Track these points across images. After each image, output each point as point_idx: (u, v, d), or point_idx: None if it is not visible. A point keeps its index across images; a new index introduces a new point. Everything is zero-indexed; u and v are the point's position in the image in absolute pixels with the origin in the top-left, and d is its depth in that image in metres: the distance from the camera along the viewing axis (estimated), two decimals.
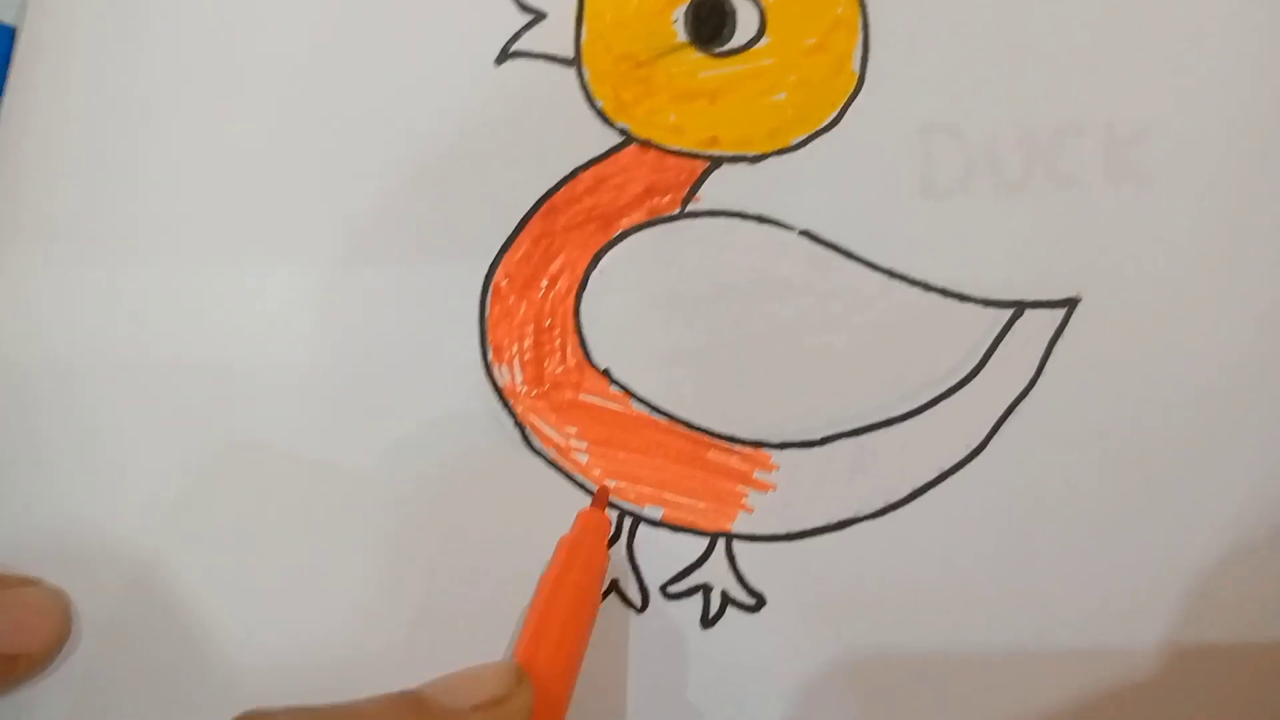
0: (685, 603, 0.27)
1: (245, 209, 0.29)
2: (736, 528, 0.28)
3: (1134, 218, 0.28)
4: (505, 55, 0.29)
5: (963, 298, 0.28)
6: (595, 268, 0.28)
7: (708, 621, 0.27)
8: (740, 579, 0.27)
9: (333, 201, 0.29)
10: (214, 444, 0.29)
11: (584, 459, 0.28)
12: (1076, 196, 0.28)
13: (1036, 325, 0.27)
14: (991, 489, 0.27)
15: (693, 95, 0.28)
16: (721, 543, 0.28)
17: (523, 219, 0.28)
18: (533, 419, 0.28)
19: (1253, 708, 0.26)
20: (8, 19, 0.30)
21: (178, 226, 0.29)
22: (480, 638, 0.27)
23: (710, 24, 0.28)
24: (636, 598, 0.27)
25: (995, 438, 0.27)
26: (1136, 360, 0.27)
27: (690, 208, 0.28)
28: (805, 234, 0.28)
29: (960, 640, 0.27)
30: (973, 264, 0.28)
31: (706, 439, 0.28)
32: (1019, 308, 0.27)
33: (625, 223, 0.28)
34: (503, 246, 0.28)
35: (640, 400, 0.28)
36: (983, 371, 0.27)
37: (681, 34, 0.28)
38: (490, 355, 0.28)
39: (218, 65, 0.30)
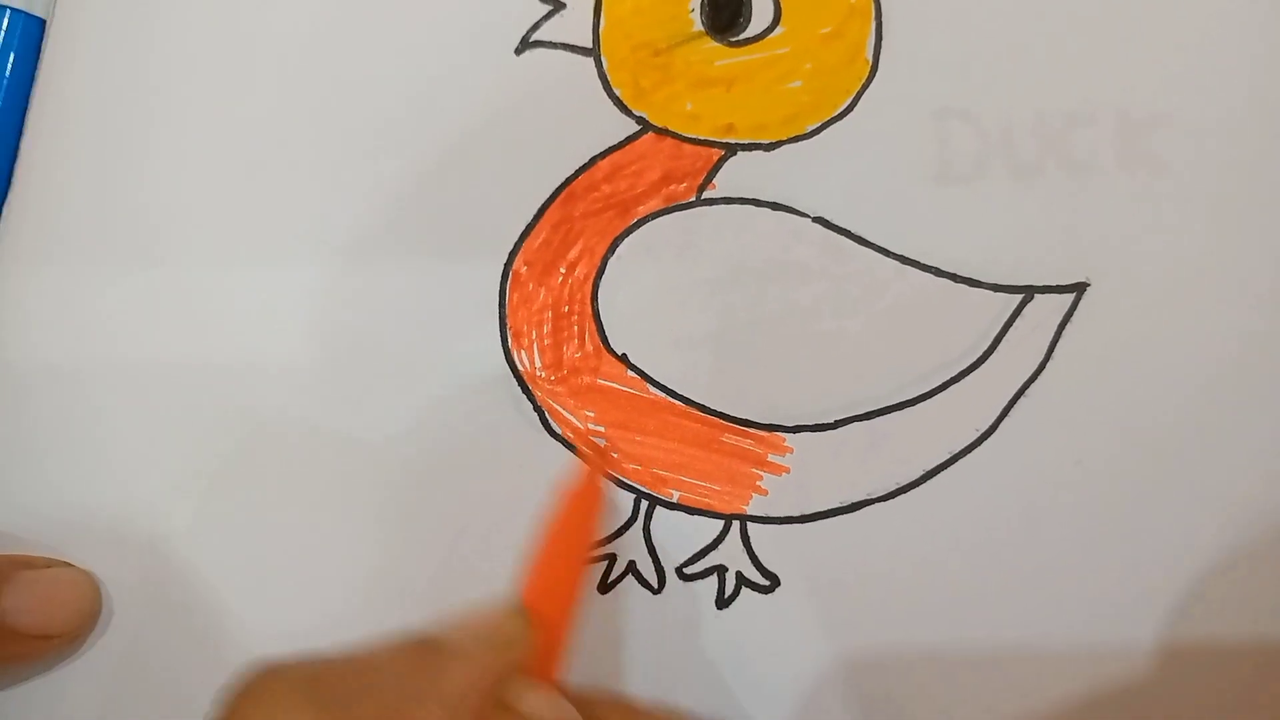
0: (701, 583, 0.28)
1: (267, 198, 0.30)
2: (751, 510, 0.28)
3: (1145, 204, 0.28)
4: (525, 45, 0.29)
5: (974, 283, 0.28)
6: (613, 254, 0.29)
7: (723, 602, 0.28)
8: (755, 560, 0.28)
9: (354, 190, 0.29)
10: (234, 431, 0.29)
11: (601, 442, 0.28)
12: (1088, 182, 0.28)
13: (1046, 310, 0.28)
14: (1001, 471, 0.27)
15: (709, 83, 0.29)
16: (736, 524, 0.28)
17: (542, 206, 0.29)
18: (551, 403, 0.29)
19: (1270, 680, 0.27)
20: (38, 11, 0.31)
21: (207, 215, 0.30)
22: None
23: (726, 13, 0.29)
24: (653, 578, 0.28)
25: (1005, 421, 0.28)
26: (1145, 345, 0.28)
27: (706, 195, 0.29)
28: (819, 220, 0.28)
29: (971, 620, 0.27)
30: (984, 249, 0.28)
31: (722, 422, 0.28)
32: (1029, 292, 0.28)
33: (642, 210, 0.29)
34: (522, 233, 0.29)
35: (657, 384, 0.28)
36: (993, 355, 0.28)
37: (698, 23, 0.29)
38: (510, 340, 0.29)
39: (240, 57, 0.30)
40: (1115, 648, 0.27)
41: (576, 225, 0.29)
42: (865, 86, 0.28)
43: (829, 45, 0.29)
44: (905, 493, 0.28)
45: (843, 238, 0.28)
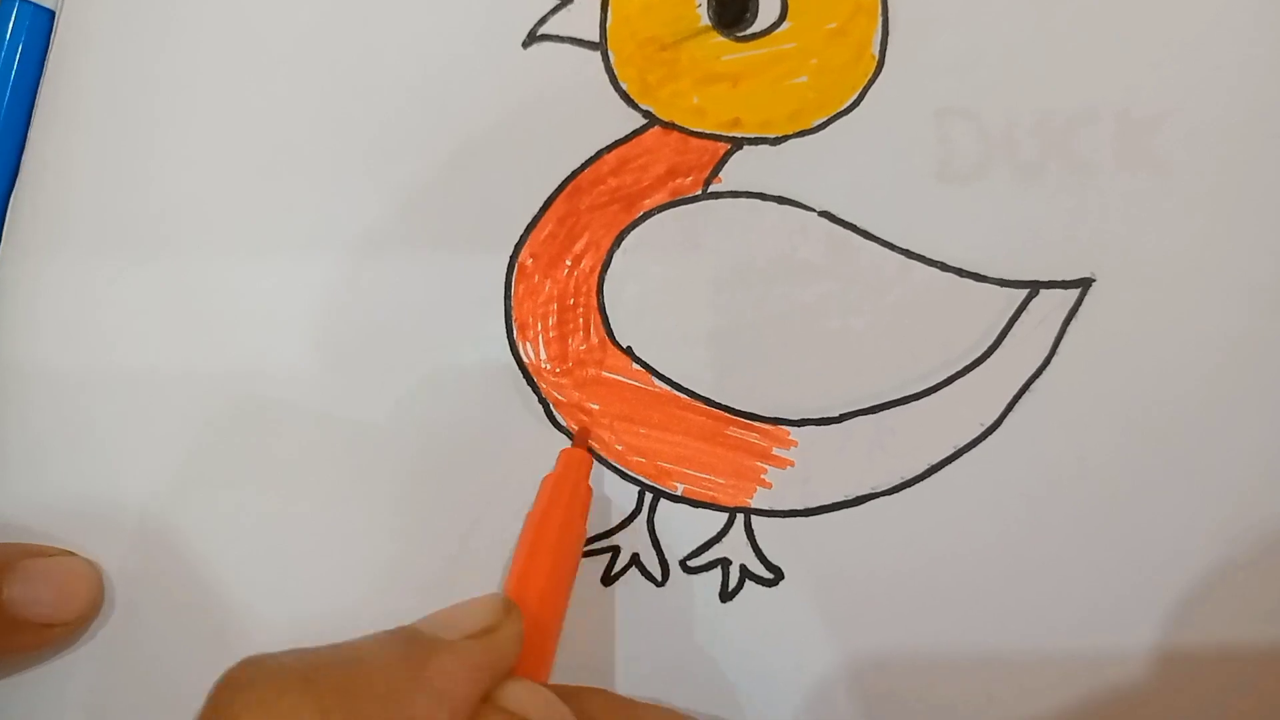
0: (704, 576, 0.28)
1: (274, 191, 0.30)
2: (755, 503, 0.28)
3: (1149, 201, 0.28)
4: (532, 39, 0.29)
5: (979, 278, 0.28)
6: (618, 247, 0.29)
7: (727, 595, 0.28)
8: (759, 553, 0.28)
9: (360, 183, 0.30)
10: (239, 424, 0.29)
11: (606, 435, 0.28)
12: (1092, 180, 0.28)
13: (1051, 305, 0.28)
14: (1006, 466, 0.28)
15: (715, 78, 0.29)
16: (740, 518, 0.28)
17: (548, 199, 0.29)
18: (556, 395, 0.29)
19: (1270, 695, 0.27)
20: (47, 2, 0.31)
21: (214, 207, 0.30)
22: None
23: (733, 8, 0.29)
24: (657, 571, 0.28)
25: (1010, 416, 0.28)
26: (1150, 340, 0.28)
27: (712, 189, 0.29)
28: (825, 215, 0.28)
29: (974, 614, 0.27)
30: (989, 245, 0.28)
31: (726, 416, 0.28)
32: (1034, 288, 0.28)
33: (648, 203, 0.29)
34: (528, 226, 0.29)
35: (661, 377, 0.28)
36: (998, 351, 0.28)
37: (705, 18, 0.29)
38: (515, 332, 0.29)
39: (247, 50, 0.30)
40: (1118, 643, 0.27)
41: (582, 218, 0.29)
42: (871, 83, 0.29)
43: (835, 41, 0.29)
44: (909, 487, 0.28)
45: (848, 232, 0.28)
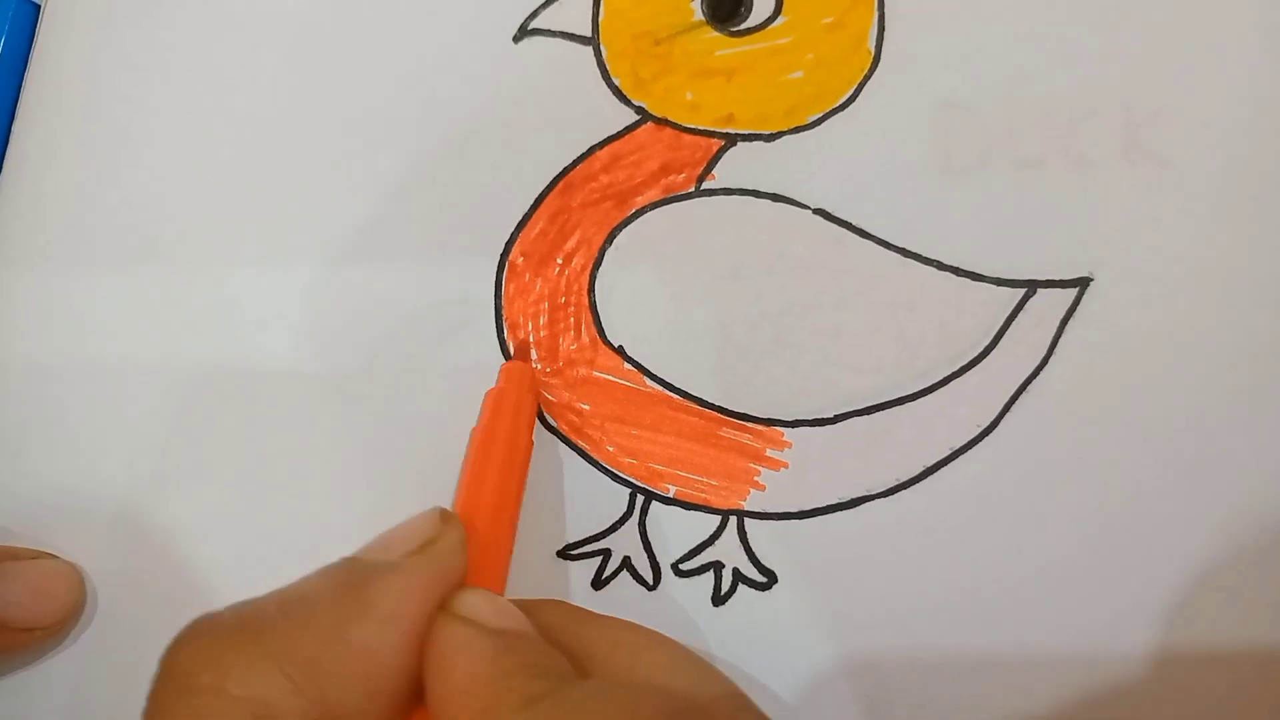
0: (697, 580, 0.28)
1: (262, 189, 0.29)
2: (749, 505, 0.28)
3: (1149, 198, 0.28)
4: (524, 33, 0.29)
5: (976, 277, 0.28)
6: (610, 245, 0.28)
7: (719, 599, 0.27)
8: (752, 557, 0.27)
9: (350, 179, 0.29)
10: (226, 425, 0.29)
11: (597, 435, 0.28)
12: (1092, 176, 0.28)
13: (1049, 305, 0.27)
14: (1003, 468, 0.27)
15: (710, 73, 0.28)
16: (734, 520, 0.28)
17: (539, 196, 0.29)
18: (546, 395, 0.28)
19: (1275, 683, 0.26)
20: None
21: (200, 204, 0.30)
22: None
23: (728, 2, 0.28)
24: (648, 575, 0.28)
25: (1007, 417, 0.27)
26: (1148, 340, 0.27)
27: (705, 185, 0.28)
28: (820, 212, 0.28)
29: (970, 617, 0.27)
30: (986, 243, 0.28)
31: (719, 416, 0.28)
32: (1031, 287, 0.27)
33: (641, 200, 0.28)
34: (519, 224, 0.29)
35: (654, 377, 0.28)
36: (995, 351, 0.27)
37: (699, 12, 0.29)
38: (506, 331, 0.28)
39: (235, 46, 0.30)
40: (1116, 645, 0.26)
41: (574, 216, 0.28)
42: (867, 78, 0.28)
43: (831, 36, 0.28)
44: (905, 489, 0.27)
45: (843, 230, 0.28)
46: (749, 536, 0.28)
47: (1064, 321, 0.27)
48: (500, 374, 0.28)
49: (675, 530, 0.28)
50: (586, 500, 0.28)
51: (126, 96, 0.30)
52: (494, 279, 0.28)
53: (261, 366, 0.29)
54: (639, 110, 0.29)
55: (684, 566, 0.28)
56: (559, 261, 0.28)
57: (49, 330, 0.29)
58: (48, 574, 0.28)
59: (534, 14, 0.29)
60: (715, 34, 0.28)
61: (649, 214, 0.28)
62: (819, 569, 0.27)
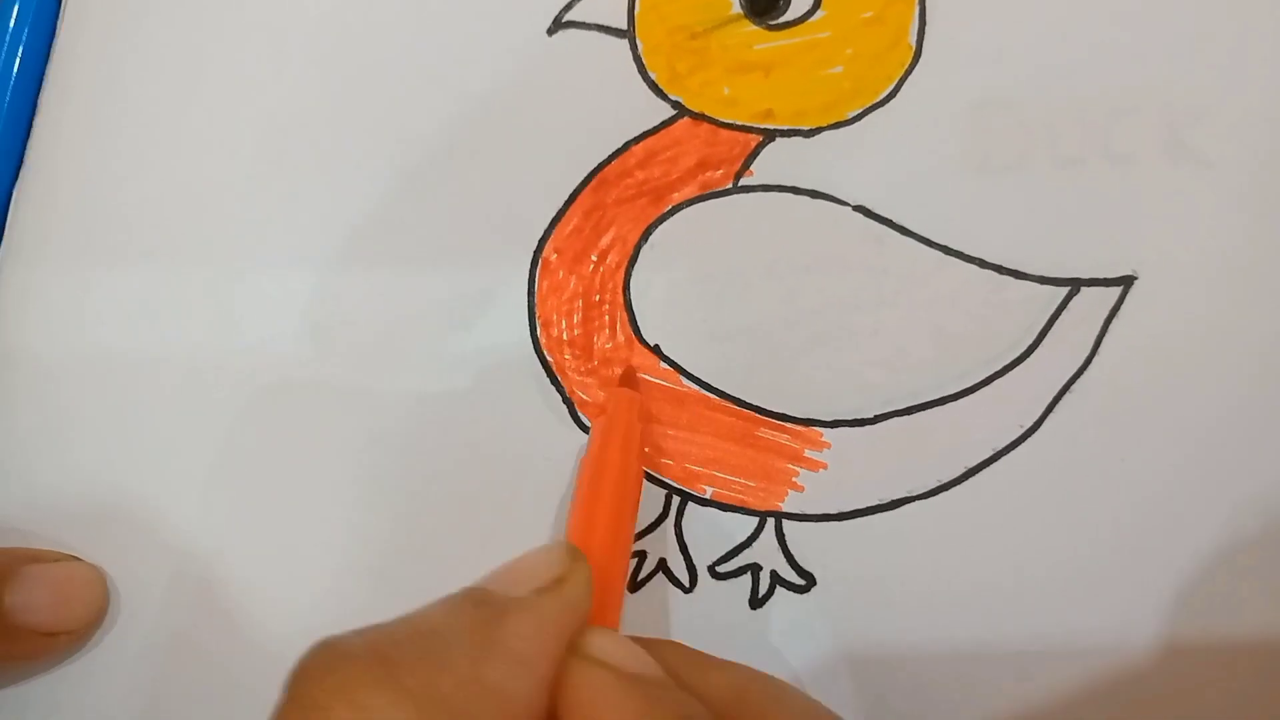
0: (734, 583, 0.27)
1: (296, 184, 0.29)
2: (787, 506, 0.27)
3: (1191, 196, 0.27)
4: (558, 25, 0.29)
5: (1018, 275, 0.27)
6: (646, 242, 0.28)
7: (757, 602, 0.27)
8: (790, 559, 0.27)
9: (383, 175, 0.29)
10: (252, 423, 0.28)
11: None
12: (1133, 174, 0.27)
13: (1092, 303, 0.27)
14: (1046, 469, 0.27)
15: (747, 68, 0.28)
16: (771, 522, 0.27)
17: (573, 192, 0.28)
18: (580, 394, 0.28)
19: None
20: None
21: (229, 201, 0.29)
22: None
23: None
24: (684, 577, 0.27)
25: (1050, 417, 0.27)
26: (1192, 339, 0.27)
27: (743, 182, 0.28)
28: (860, 209, 0.28)
29: (1014, 619, 0.26)
30: (1028, 241, 0.27)
31: (757, 416, 0.27)
32: (1074, 285, 0.27)
33: (677, 197, 0.28)
34: (553, 220, 0.28)
35: (690, 376, 0.28)
36: (1037, 350, 0.27)
37: (737, 5, 0.28)
38: (539, 330, 0.28)
39: (263, 39, 0.30)
40: (1160, 643, 0.26)
41: (609, 212, 0.28)
42: (908, 73, 0.28)
43: (871, 30, 0.28)
44: (946, 490, 0.27)
45: (884, 227, 0.27)
46: (787, 538, 0.27)
47: (1108, 320, 0.27)
48: (609, 400, 0.27)
49: (712, 532, 0.27)
50: None
51: (148, 94, 0.30)
52: (527, 276, 0.28)
53: (291, 369, 0.28)
54: (675, 105, 0.28)
55: (721, 569, 0.27)
56: (593, 259, 0.28)
57: (69, 329, 0.29)
58: (72, 577, 0.27)
59: (568, 6, 0.29)
60: (753, 28, 0.28)
61: (685, 211, 0.28)
62: (858, 571, 0.27)
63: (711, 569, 0.27)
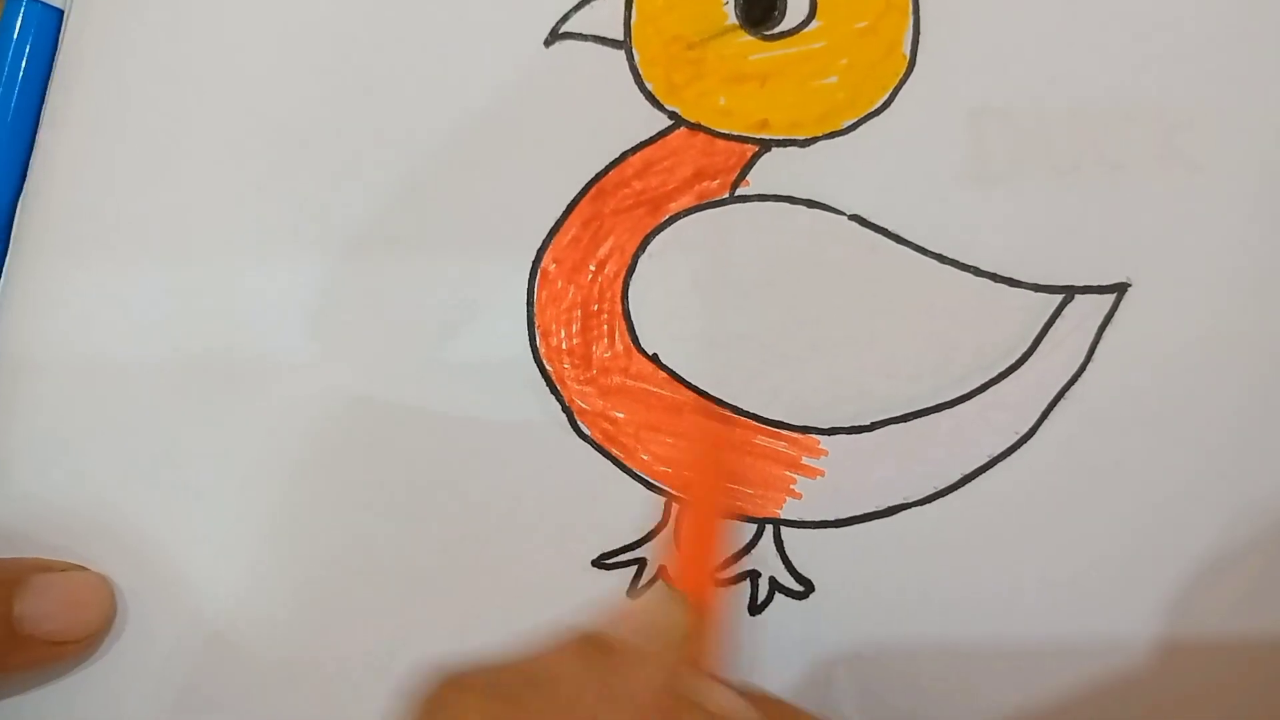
0: (733, 589, 0.27)
1: (291, 194, 0.29)
2: (785, 513, 0.27)
3: (1185, 203, 0.27)
4: (555, 36, 0.29)
5: (1013, 282, 0.27)
6: (644, 252, 0.28)
7: (755, 608, 0.27)
8: (788, 565, 0.27)
9: (380, 185, 0.29)
10: (251, 430, 0.29)
11: (631, 444, 0.28)
12: (1128, 181, 0.27)
13: (1086, 310, 0.27)
14: (1041, 475, 0.27)
15: (743, 78, 0.28)
16: (769, 529, 0.27)
17: (571, 202, 0.28)
18: (579, 403, 0.28)
19: None
20: (56, 1, 0.30)
21: (229, 212, 0.29)
22: (531, 618, 0.27)
23: (761, 6, 0.28)
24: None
25: (1045, 424, 0.27)
26: (1187, 346, 0.27)
27: (739, 191, 0.28)
28: (855, 218, 0.28)
29: (1010, 626, 0.27)
30: (1023, 248, 0.27)
31: (755, 424, 0.28)
32: (1069, 293, 0.27)
33: (674, 207, 0.28)
34: (551, 230, 0.28)
35: (688, 385, 0.28)
36: (1032, 357, 0.27)
37: (732, 16, 0.28)
38: (538, 339, 0.28)
39: (262, 51, 0.30)
40: (1156, 649, 0.26)
41: (607, 222, 0.28)
42: (902, 82, 0.28)
43: (865, 40, 0.28)
44: (942, 497, 0.27)
45: (879, 236, 0.28)
46: (785, 545, 0.27)
47: (1102, 327, 0.27)
48: (701, 439, 0.27)
49: None
50: (621, 509, 0.27)
51: (151, 100, 0.30)
52: (526, 286, 0.28)
53: (289, 377, 0.29)
54: (672, 115, 0.28)
55: (720, 575, 0.27)
56: (592, 268, 0.28)
57: (76, 337, 0.29)
58: (80, 586, 0.28)
59: (565, 18, 0.29)
60: (749, 38, 0.28)
61: (683, 220, 0.28)
62: (856, 578, 0.27)
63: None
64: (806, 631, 0.27)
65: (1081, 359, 0.27)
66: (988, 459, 0.27)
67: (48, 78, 0.30)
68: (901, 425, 0.27)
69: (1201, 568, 0.27)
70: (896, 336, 0.27)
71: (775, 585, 0.27)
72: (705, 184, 0.28)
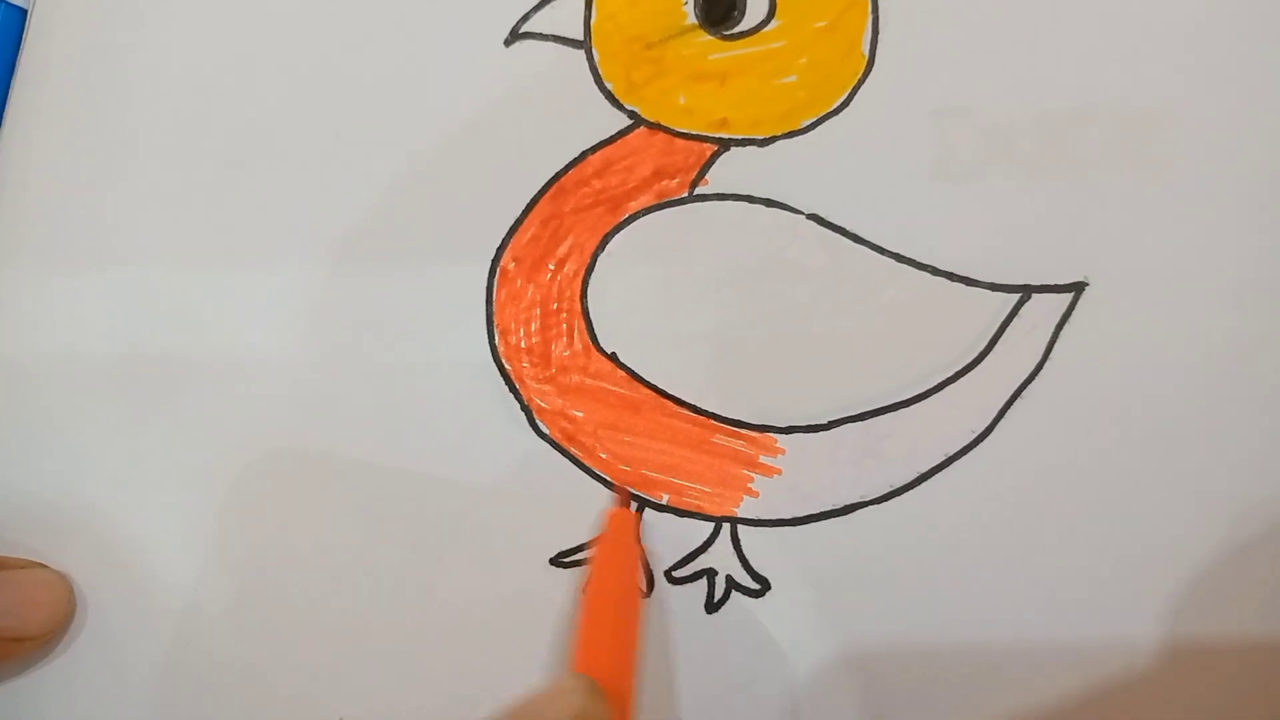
0: (690, 587, 0.27)
1: (252, 193, 0.29)
2: (742, 512, 0.27)
3: (1144, 203, 0.27)
4: (515, 36, 0.29)
5: (970, 282, 0.27)
6: (603, 251, 0.28)
7: (712, 606, 0.27)
8: (745, 563, 0.27)
9: (340, 185, 0.29)
10: (215, 430, 0.29)
11: (590, 442, 0.28)
12: (1087, 180, 0.27)
13: (1044, 310, 0.27)
14: (998, 474, 0.27)
15: (703, 77, 0.28)
16: (727, 527, 0.27)
17: (531, 201, 0.28)
18: (539, 402, 0.28)
19: (1264, 694, 0.26)
20: (19, 0, 0.30)
21: (191, 211, 0.29)
22: (489, 617, 0.27)
23: (721, 5, 0.28)
24: (642, 582, 0.27)
25: (1001, 422, 0.27)
26: (1143, 345, 0.27)
27: (699, 191, 0.28)
28: (813, 217, 0.28)
29: (965, 625, 0.27)
30: (981, 248, 0.27)
31: (713, 423, 0.28)
32: (1026, 292, 0.27)
33: (634, 206, 0.28)
34: (510, 229, 0.28)
35: (647, 384, 0.28)
36: (990, 356, 0.27)
37: (692, 15, 0.28)
38: (497, 338, 0.28)
39: (226, 51, 0.30)
40: (1112, 648, 0.26)
41: (566, 221, 0.28)
42: (861, 82, 0.28)
43: (825, 39, 0.28)
44: (899, 495, 0.27)
45: (838, 235, 0.28)
46: (742, 543, 0.27)
47: (1059, 326, 0.27)
48: (607, 523, 0.27)
49: (669, 537, 0.28)
50: (579, 508, 0.28)
51: (115, 100, 0.30)
52: (485, 285, 0.28)
53: (250, 376, 0.29)
54: (631, 115, 0.28)
55: (677, 574, 0.27)
56: (551, 267, 0.28)
57: (37, 334, 0.29)
58: (38, 583, 0.28)
59: (525, 17, 0.29)
60: (708, 38, 0.28)
61: (642, 219, 0.28)
62: (812, 576, 0.27)
63: (668, 574, 0.27)
64: (763, 629, 0.27)
65: (1039, 358, 0.27)
66: (945, 458, 0.27)
67: (10, 77, 0.30)
68: (859, 424, 0.27)
69: (1156, 562, 0.27)
70: (854, 336, 0.28)
71: (732, 583, 0.27)
72: (664, 183, 0.28)
